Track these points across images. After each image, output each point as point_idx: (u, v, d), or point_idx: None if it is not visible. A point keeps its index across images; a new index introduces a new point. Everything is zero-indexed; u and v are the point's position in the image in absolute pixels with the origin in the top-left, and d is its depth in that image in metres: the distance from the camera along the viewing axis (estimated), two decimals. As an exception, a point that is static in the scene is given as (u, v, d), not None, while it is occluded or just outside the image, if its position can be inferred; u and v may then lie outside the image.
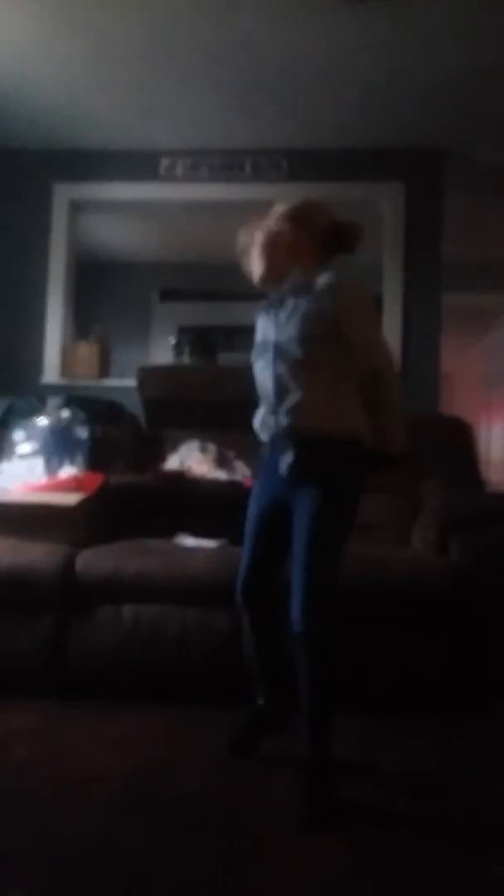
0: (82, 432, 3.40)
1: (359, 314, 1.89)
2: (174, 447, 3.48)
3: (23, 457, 3.37)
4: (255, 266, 1.98)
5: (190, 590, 2.60)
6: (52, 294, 4.25)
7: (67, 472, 3.26)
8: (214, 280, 5.72)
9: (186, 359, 4.71)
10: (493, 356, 7.12)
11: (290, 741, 2.00)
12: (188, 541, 2.83)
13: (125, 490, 3.08)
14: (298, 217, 1.98)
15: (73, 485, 3.09)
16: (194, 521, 2.90)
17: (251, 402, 2.05)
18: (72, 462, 3.31)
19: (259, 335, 2.02)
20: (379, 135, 4.04)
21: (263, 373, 1.96)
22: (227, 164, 4.22)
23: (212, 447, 3.38)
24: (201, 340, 5.69)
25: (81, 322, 4.52)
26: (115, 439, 3.43)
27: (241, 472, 3.28)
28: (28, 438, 3.42)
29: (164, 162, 4.24)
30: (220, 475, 3.26)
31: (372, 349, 1.92)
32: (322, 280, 1.90)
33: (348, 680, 2.58)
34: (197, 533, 2.84)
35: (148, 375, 3.69)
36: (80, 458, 3.31)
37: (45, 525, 2.87)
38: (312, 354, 1.85)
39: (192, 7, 3.06)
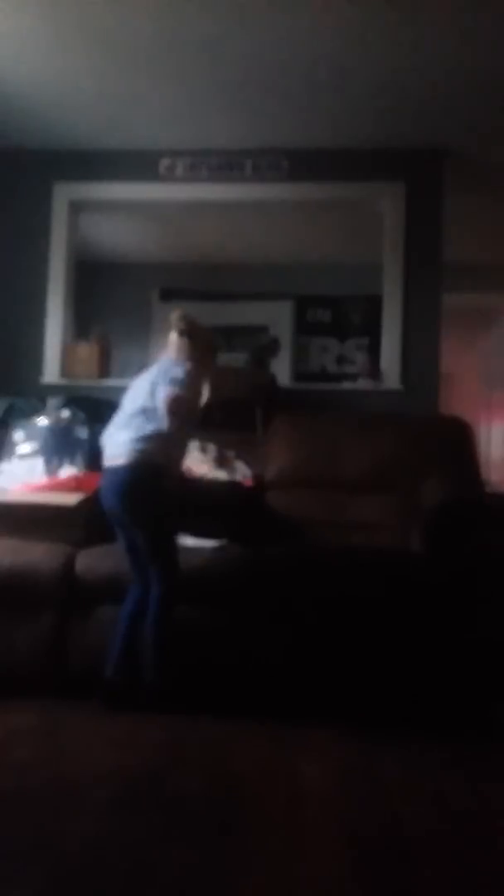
0: (82, 432, 3.40)
1: None
2: (174, 447, 3.47)
3: (23, 457, 3.37)
4: None
5: (189, 589, 2.60)
6: (52, 294, 4.24)
7: (67, 472, 3.26)
8: (214, 280, 5.71)
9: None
10: (493, 356, 7.11)
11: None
12: (188, 541, 2.83)
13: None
14: None
15: (73, 485, 3.09)
16: (194, 521, 2.89)
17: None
18: (72, 462, 3.31)
19: None
20: (379, 135, 4.03)
21: None
22: (227, 164, 4.22)
23: (212, 447, 3.38)
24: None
25: (81, 322, 4.51)
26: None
27: (241, 472, 3.28)
28: (28, 438, 3.42)
29: (164, 162, 4.24)
30: (220, 475, 3.25)
31: None
32: None
33: (337, 686, 2.58)
34: (197, 533, 2.84)
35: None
36: (80, 458, 3.31)
37: (45, 525, 2.87)
38: None
39: (192, 7, 3.06)
